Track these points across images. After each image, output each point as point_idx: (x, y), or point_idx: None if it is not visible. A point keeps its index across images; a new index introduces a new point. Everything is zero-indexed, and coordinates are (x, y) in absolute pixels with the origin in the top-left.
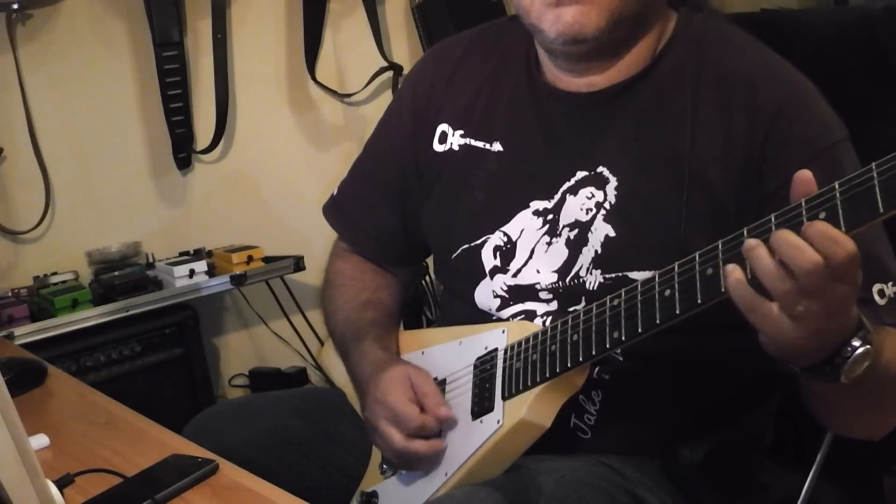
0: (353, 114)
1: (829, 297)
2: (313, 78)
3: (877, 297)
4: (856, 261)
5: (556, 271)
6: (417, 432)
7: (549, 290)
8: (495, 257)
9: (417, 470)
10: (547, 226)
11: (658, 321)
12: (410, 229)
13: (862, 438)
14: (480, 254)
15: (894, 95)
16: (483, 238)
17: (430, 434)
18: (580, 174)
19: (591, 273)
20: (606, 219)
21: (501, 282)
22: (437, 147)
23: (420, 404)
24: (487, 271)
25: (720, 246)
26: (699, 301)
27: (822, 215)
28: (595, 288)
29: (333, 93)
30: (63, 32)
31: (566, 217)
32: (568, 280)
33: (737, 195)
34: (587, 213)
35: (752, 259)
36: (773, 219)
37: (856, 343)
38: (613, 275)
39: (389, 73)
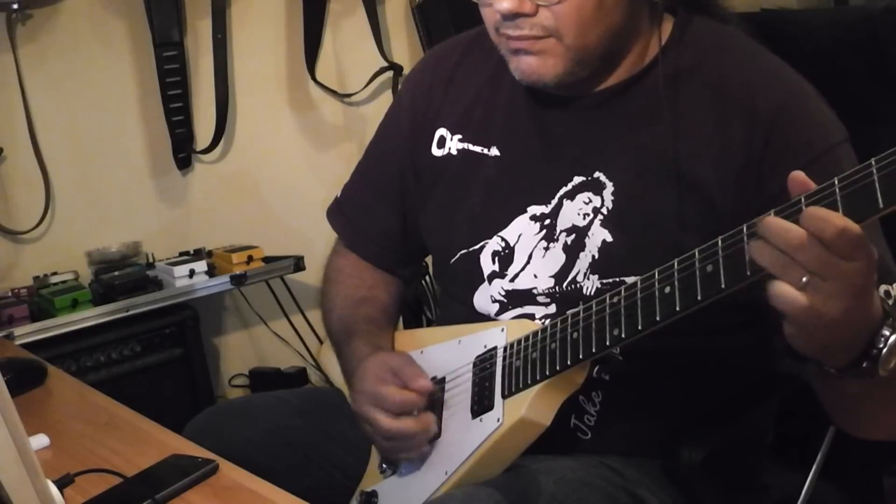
0: (353, 114)
1: (839, 275)
2: (313, 78)
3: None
4: (850, 235)
5: (553, 276)
6: (401, 409)
7: (547, 295)
8: (494, 262)
9: (412, 455)
10: (544, 231)
11: (658, 318)
12: (410, 231)
13: (887, 440)
14: (479, 259)
15: (894, 95)
16: (481, 243)
17: (415, 410)
18: (577, 179)
19: (588, 278)
20: (603, 224)
21: (499, 286)
22: (436, 152)
23: (401, 384)
24: (486, 276)
25: (720, 243)
26: (699, 298)
27: None
28: (592, 293)
29: (333, 93)
30: (63, 32)
31: (563, 222)
32: (565, 285)
33: (734, 199)
34: (584, 219)
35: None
36: (771, 214)
37: (887, 332)
38: (610, 280)
39: (389, 74)
